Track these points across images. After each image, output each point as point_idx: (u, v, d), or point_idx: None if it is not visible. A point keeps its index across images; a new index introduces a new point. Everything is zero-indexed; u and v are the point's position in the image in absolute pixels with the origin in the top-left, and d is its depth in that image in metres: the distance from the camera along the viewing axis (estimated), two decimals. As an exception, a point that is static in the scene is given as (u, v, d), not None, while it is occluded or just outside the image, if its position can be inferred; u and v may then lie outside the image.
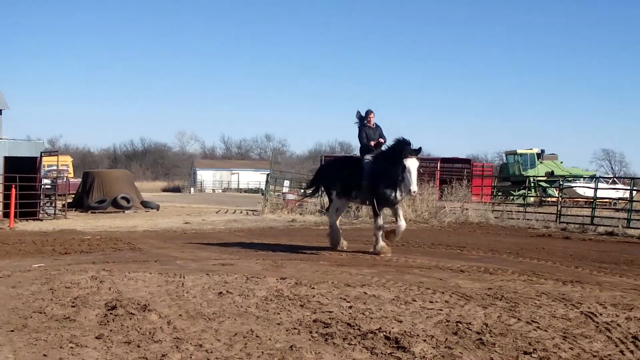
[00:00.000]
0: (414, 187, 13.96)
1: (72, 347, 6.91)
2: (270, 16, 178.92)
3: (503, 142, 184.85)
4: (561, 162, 56.18)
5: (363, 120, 15.37)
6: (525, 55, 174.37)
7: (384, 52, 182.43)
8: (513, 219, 26.73)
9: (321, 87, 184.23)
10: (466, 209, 27.82)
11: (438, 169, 42.59)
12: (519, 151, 55.48)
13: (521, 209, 30.12)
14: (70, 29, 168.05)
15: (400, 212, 15.05)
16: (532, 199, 39.47)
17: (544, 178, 48.73)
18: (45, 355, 6.68)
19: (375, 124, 15.39)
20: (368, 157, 15.05)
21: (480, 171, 46.57)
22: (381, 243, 14.76)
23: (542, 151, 55.66)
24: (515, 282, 11.19)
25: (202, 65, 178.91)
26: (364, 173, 14.83)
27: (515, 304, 9.11)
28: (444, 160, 48.28)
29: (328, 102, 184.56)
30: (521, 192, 43.91)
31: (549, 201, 39.05)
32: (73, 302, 9.13)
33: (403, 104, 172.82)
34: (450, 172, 42.95)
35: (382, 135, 15.28)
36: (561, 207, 27.12)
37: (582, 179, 46.87)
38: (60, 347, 6.91)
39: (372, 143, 15.05)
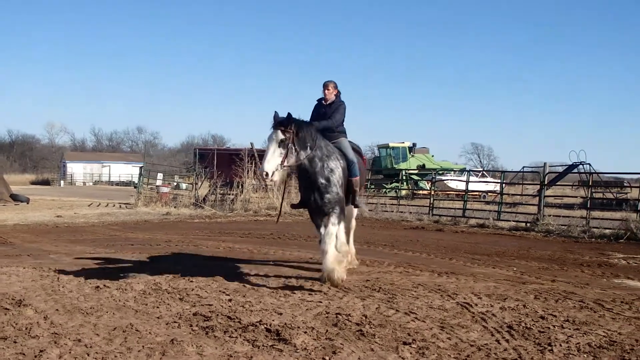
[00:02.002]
0: (263, 166, 9.38)
1: (-57, 346, 6.58)
2: (137, 6, 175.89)
3: (375, 136, 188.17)
4: (432, 156, 57.59)
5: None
6: (396, 49, 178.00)
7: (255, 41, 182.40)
8: (387, 211, 27.17)
9: (192, 78, 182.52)
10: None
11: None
12: (391, 144, 56.50)
13: (394, 201, 30.69)
14: None
15: (332, 231, 9.88)
16: (404, 192, 40.25)
17: (416, 171, 49.75)
18: None
19: (337, 100, 10.83)
20: None
21: (353, 164, 47.03)
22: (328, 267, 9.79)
23: (414, 145, 56.88)
24: (392, 274, 11.36)
25: (72, 54, 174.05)
26: None
27: (393, 295, 9.25)
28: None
29: (200, 94, 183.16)
30: (393, 185, 44.70)
31: (420, 194, 39.95)
32: (-59, 299, 8.75)
33: (270, 92, 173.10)
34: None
35: (335, 112, 10.67)
36: (433, 200, 27.77)
37: (452, 172, 48.14)
38: None
39: None
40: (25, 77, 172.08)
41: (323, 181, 9.83)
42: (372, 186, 42.10)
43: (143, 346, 6.56)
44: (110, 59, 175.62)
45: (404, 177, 46.23)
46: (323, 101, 10.87)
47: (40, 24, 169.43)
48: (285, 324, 7.44)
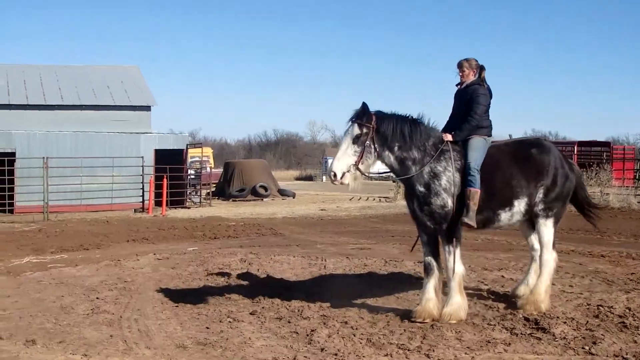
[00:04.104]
0: (331, 165, 7.71)
1: (230, 322, 7.57)
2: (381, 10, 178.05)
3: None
4: None
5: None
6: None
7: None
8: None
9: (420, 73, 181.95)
10: (607, 193, 26.53)
11: (575, 152, 41.16)
12: (664, 133, 53.01)
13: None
14: (207, 29, 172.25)
15: (451, 259, 7.73)
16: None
17: None
18: (207, 327, 7.36)
19: (474, 82, 8.30)
20: None
21: (621, 154, 44.67)
22: (425, 298, 7.68)
23: None
24: (662, 268, 10.85)
25: (330, 59, 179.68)
26: None
27: (661, 290, 8.91)
28: (582, 143, 45.95)
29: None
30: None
31: None
32: (226, 282, 9.92)
33: (542, 86, 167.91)
34: (588, 156, 41.62)
35: (471, 102, 8.15)
36: None
37: None
38: (220, 322, 7.61)
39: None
40: (289, 78, 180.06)
41: (421, 189, 7.78)
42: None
43: (405, 330, 7.01)
44: (364, 58, 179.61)
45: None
46: (459, 85, 8.50)
47: (304, 31, 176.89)
48: (545, 313, 7.49)
